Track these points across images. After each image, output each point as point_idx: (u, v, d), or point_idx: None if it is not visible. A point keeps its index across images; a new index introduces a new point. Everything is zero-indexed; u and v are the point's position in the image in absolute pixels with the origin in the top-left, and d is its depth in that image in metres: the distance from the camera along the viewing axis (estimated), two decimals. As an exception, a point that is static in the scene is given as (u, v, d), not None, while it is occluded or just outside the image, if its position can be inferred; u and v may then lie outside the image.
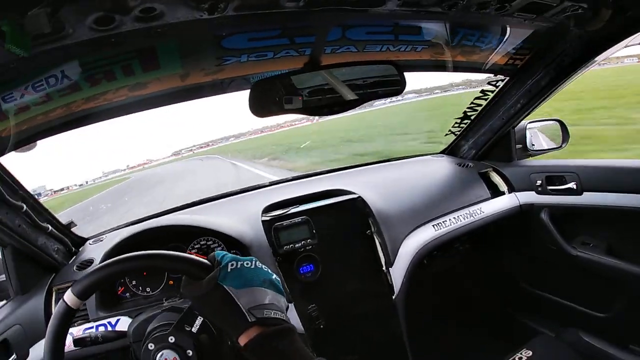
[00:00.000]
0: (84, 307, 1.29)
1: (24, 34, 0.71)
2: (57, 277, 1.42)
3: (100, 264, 0.81)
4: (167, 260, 0.83)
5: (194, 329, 0.86)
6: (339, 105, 1.23)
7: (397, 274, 1.57)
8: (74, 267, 1.45)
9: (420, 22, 1.36)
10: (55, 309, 0.78)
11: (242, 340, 0.71)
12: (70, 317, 0.78)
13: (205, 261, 0.80)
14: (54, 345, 0.77)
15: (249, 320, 0.71)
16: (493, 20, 1.38)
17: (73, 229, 1.59)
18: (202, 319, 0.87)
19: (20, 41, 0.71)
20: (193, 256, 0.82)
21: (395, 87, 1.28)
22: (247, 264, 0.77)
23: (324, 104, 1.24)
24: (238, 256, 0.78)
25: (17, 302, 1.35)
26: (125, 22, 0.82)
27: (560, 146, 2.09)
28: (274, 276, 0.80)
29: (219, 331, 0.89)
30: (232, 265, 0.75)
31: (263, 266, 0.80)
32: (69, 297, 0.77)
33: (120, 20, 0.81)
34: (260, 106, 1.18)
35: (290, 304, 1.38)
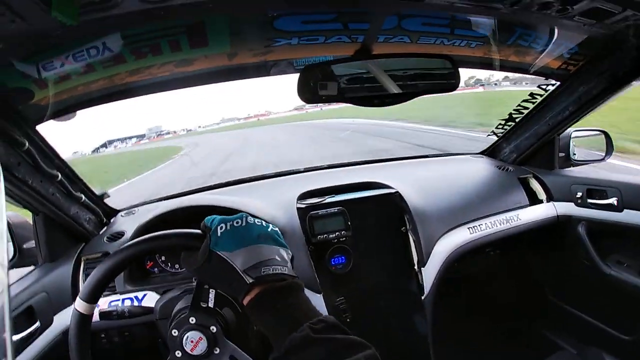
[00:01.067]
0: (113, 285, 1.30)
1: (71, 0, 0.69)
2: (86, 247, 1.44)
3: (99, 264, 0.80)
4: (159, 240, 0.82)
5: (210, 304, 0.85)
6: (391, 97, 1.20)
7: (429, 274, 1.54)
8: (105, 238, 1.46)
9: (478, 17, 1.30)
10: (70, 320, 0.77)
11: (245, 302, 0.69)
12: (86, 323, 0.78)
13: (196, 231, 0.78)
14: (79, 354, 0.78)
15: (247, 281, 0.68)
16: (552, 22, 1.32)
17: (106, 200, 1.61)
18: (214, 291, 0.86)
19: (67, 9, 0.69)
20: (183, 230, 0.80)
21: (451, 81, 1.24)
22: (237, 222, 0.74)
23: (376, 94, 1.21)
24: (227, 216, 0.75)
25: (44, 270, 1.37)
26: None
27: (604, 159, 2.02)
28: (270, 227, 0.77)
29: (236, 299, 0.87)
30: (221, 228, 0.73)
31: (256, 220, 0.77)
32: (78, 304, 0.77)
33: None
34: (310, 91, 1.15)
35: (319, 295, 1.37)
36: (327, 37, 1.24)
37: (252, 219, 0.76)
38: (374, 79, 1.20)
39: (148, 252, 0.84)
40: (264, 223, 0.77)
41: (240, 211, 1.42)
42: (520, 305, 2.33)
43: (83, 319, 0.77)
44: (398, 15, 1.21)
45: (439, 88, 1.26)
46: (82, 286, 0.82)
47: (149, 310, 1.10)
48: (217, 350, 0.82)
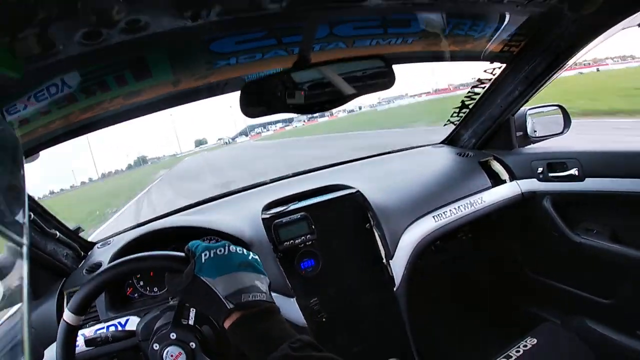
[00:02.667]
0: (95, 310, 1.35)
1: (14, 57, 0.77)
2: (67, 282, 1.48)
3: (89, 280, 0.87)
4: (144, 261, 0.89)
5: (191, 321, 0.93)
6: (330, 103, 1.28)
7: (398, 265, 1.61)
8: (84, 271, 1.51)
9: (407, 14, 1.38)
10: (58, 331, 0.85)
11: (226, 325, 0.76)
12: (72, 332, 0.85)
13: (180, 254, 0.85)
14: None
15: (228, 307, 0.75)
16: (484, 8, 1.41)
17: (80, 234, 1.65)
18: (194, 310, 0.93)
19: (11, 64, 0.77)
20: (168, 252, 0.87)
21: (385, 79, 1.32)
22: (220, 251, 0.81)
23: (316, 101, 1.28)
24: (211, 244, 0.83)
25: (30, 308, 1.42)
26: (112, 35, 0.87)
27: (562, 132, 2.09)
28: (251, 256, 0.84)
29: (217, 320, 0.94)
30: (205, 255, 0.79)
31: (237, 248, 0.84)
32: (66, 315, 0.84)
33: (108, 34, 0.86)
34: (252, 107, 1.23)
35: (292, 299, 1.43)
36: (264, 53, 1.31)
37: (234, 247, 0.83)
38: (313, 87, 1.27)
39: (136, 271, 0.93)
40: (244, 252, 0.84)
41: (212, 230, 1.50)
42: (499, 285, 2.41)
43: (70, 329, 0.85)
44: (328, 23, 1.27)
45: (375, 87, 1.33)
46: (71, 299, 0.88)
47: (131, 334, 1.16)
48: None
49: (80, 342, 0.96)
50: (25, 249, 0.49)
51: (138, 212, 13.41)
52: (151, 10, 0.85)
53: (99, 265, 1.53)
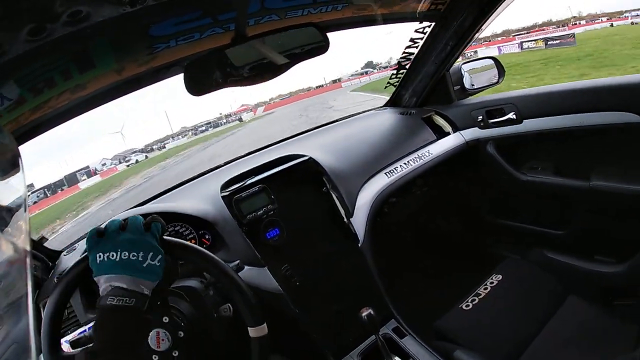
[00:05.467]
0: (74, 315, 1.42)
1: None
2: (40, 293, 1.52)
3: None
4: (73, 269, 1.01)
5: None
6: (271, 72, 1.39)
7: (359, 222, 1.75)
8: (55, 280, 1.55)
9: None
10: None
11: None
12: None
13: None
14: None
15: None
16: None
17: (45, 244, 1.69)
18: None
19: None
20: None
21: (320, 44, 1.44)
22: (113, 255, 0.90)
23: (257, 72, 1.39)
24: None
25: (8, 324, 1.48)
26: (56, 28, 0.96)
27: (497, 82, 2.31)
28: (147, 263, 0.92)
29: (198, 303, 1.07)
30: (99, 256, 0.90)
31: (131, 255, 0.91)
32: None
33: (52, 28, 0.95)
34: (197, 85, 1.32)
35: (264, 268, 1.55)
36: (202, 32, 1.41)
37: (126, 254, 0.90)
38: (253, 59, 1.39)
39: (74, 285, 1.04)
40: (140, 257, 0.91)
41: (175, 213, 1.58)
42: (459, 231, 2.64)
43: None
44: None
45: (310, 53, 1.44)
46: (45, 307, 0.99)
47: None
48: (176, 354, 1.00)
49: (66, 348, 1.06)
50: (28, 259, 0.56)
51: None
52: (91, 1, 0.94)
53: None
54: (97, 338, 0.88)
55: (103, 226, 0.94)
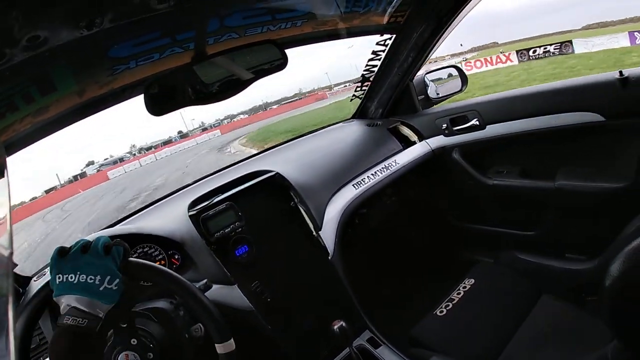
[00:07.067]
0: (46, 341, 1.42)
1: None
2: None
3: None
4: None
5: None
6: (231, 90, 1.45)
7: (328, 235, 1.79)
8: (23, 306, 1.57)
9: (289, -1, 1.58)
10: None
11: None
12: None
13: None
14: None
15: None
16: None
17: (15, 270, 1.66)
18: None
19: None
20: None
21: (279, 61, 1.51)
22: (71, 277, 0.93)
23: (217, 90, 1.45)
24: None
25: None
26: (15, 53, 1.00)
27: (461, 90, 2.41)
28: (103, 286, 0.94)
29: (168, 323, 1.08)
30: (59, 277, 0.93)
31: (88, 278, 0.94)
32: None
33: (11, 53, 0.99)
34: (158, 105, 1.38)
35: (233, 286, 1.57)
36: (161, 52, 1.46)
37: (84, 276, 0.94)
38: (212, 78, 1.45)
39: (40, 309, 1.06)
40: (97, 281, 0.94)
41: (143, 234, 1.59)
42: (430, 238, 2.70)
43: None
44: (218, 16, 1.44)
45: (269, 70, 1.51)
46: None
47: None
48: None
49: None
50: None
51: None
52: (49, 25, 0.98)
53: None
54: (50, 357, 0.92)
55: (69, 246, 0.97)
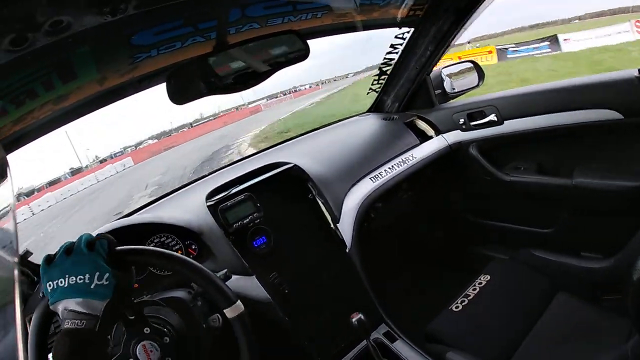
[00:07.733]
0: (60, 330, 1.44)
1: None
2: (26, 308, 1.50)
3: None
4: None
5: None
6: (253, 79, 1.44)
7: (346, 228, 1.79)
8: (40, 294, 1.54)
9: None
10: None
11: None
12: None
13: None
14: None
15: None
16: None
17: (30, 258, 1.67)
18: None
19: None
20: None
21: (301, 51, 1.49)
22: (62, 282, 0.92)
23: (239, 80, 1.44)
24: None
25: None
26: (38, 38, 0.99)
27: (477, 85, 2.40)
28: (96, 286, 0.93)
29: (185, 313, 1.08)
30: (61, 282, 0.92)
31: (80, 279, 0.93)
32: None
33: (33, 38, 0.98)
34: (180, 94, 1.36)
35: (251, 277, 1.57)
36: (183, 41, 1.45)
37: (73, 278, 0.92)
38: (234, 67, 1.44)
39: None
40: (87, 279, 0.93)
41: (160, 224, 1.59)
42: (446, 234, 2.70)
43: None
44: (239, 6, 1.42)
45: (291, 61, 1.50)
46: (31, 323, 1.01)
47: None
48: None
49: None
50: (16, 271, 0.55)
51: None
52: (73, 10, 0.97)
53: None
54: None
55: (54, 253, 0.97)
